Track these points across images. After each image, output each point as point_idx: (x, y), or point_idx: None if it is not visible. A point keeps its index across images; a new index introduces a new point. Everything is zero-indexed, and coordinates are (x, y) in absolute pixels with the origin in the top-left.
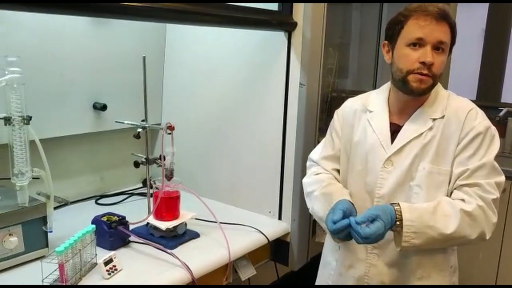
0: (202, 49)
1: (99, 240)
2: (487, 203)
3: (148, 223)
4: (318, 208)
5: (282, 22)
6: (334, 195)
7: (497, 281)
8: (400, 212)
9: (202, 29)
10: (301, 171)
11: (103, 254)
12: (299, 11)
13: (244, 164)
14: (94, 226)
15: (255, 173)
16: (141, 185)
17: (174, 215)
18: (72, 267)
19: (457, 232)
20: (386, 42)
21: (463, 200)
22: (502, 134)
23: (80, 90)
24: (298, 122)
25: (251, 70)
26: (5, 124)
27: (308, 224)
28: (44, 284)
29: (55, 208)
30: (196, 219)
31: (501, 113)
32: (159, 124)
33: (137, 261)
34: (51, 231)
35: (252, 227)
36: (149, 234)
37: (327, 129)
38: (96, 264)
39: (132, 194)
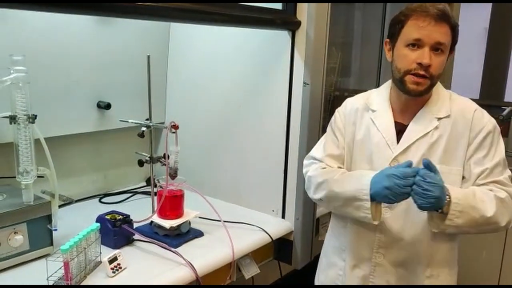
0: (206, 48)
1: (103, 238)
2: (510, 195)
3: (152, 221)
4: (345, 186)
5: (286, 21)
6: (363, 171)
7: (500, 280)
8: (448, 189)
9: (206, 28)
10: None
11: (107, 253)
12: (303, 11)
13: (248, 162)
14: (98, 224)
15: (258, 172)
16: (144, 183)
17: (178, 213)
18: (77, 265)
19: (494, 217)
20: (388, 40)
21: (491, 190)
22: (505, 133)
23: (85, 89)
24: (301, 121)
25: (255, 69)
26: (11, 123)
27: (311, 223)
28: (49, 283)
29: (59, 207)
30: (200, 217)
31: (504, 112)
32: (163, 123)
33: (141, 259)
34: (55, 229)
35: (256, 226)
36: (153, 233)
37: None
38: (100, 262)
39: (136, 193)
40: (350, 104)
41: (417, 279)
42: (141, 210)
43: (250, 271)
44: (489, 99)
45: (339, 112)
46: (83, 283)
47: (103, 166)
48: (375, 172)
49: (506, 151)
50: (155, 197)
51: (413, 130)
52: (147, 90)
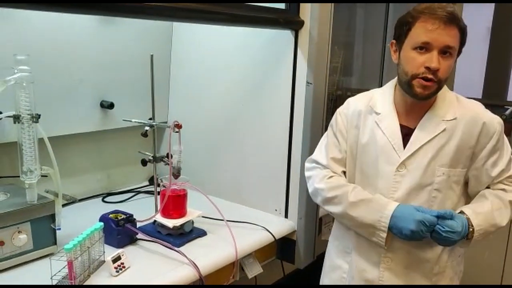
0: (209, 48)
1: (106, 237)
2: None
3: (155, 221)
4: (363, 213)
5: (289, 20)
6: (383, 200)
7: (502, 280)
8: (470, 219)
9: (208, 28)
10: None
11: (110, 252)
12: (306, 10)
13: (251, 162)
14: (102, 223)
15: (261, 172)
16: (147, 183)
17: (181, 213)
18: (80, 264)
19: (507, 224)
20: (394, 41)
21: (503, 190)
22: (508, 132)
23: (88, 89)
24: (304, 121)
25: (258, 69)
26: (14, 122)
27: (314, 222)
28: (53, 282)
29: (63, 206)
30: (203, 217)
31: (507, 112)
32: (166, 123)
33: (144, 258)
34: (59, 229)
35: (259, 225)
36: (156, 232)
37: None
38: (104, 261)
39: (139, 192)
40: (353, 105)
41: (426, 278)
42: (144, 209)
43: (253, 270)
44: (491, 98)
45: (340, 114)
46: (87, 282)
47: (106, 165)
48: (396, 203)
49: None
50: (158, 197)
51: (420, 134)
52: (150, 89)
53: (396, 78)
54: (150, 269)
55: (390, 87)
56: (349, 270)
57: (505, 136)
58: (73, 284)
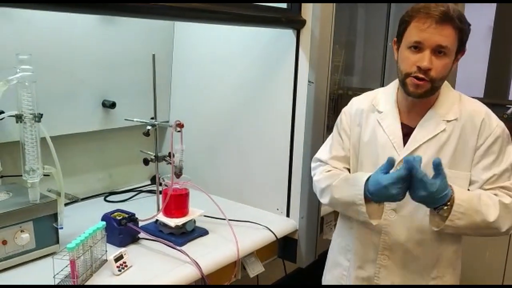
0: (210, 47)
1: (108, 236)
2: None
3: (157, 220)
4: (343, 192)
5: (291, 20)
6: (358, 175)
7: (504, 280)
8: (452, 190)
9: (210, 27)
10: (309, 168)
11: (113, 251)
12: (308, 10)
13: (253, 161)
14: (104, 223)
15: (263, 171)
16: (149, 182)
17: (183, 212)
18: (83, 263)
19: (496, 222)
20: (396, 39)
21: (495, 194)
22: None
23: (90, 88)
24: (306, 120)
25: (260, 68)
26: (17, 122)
27: (316, 221)
28: (56, 281)
29: (65, 205)
30: (205, 216)
31: (509, 111)
32: (167, 122)
33: (146, 257)
34: (61, 228)
35: (261, 225)
36: (158, 231)
37: (333, 126)
38: (106, 260)
39: (141, 191)
40: (356, 104)
41: (422, 280)
42: (146, 208)
43: (255, 269)
44: (493, 97)
45: (345, 113)
46: (89, 281)
47: (108, 164)
48: (367, 174)
49: None
50: (160, 196)
51: (420, 132)
52: (152, 89)
53: None
54: (152, 268)
55: (393, 86)
56: (349, 267)
57: (509, 146)
58: (75, 283)
